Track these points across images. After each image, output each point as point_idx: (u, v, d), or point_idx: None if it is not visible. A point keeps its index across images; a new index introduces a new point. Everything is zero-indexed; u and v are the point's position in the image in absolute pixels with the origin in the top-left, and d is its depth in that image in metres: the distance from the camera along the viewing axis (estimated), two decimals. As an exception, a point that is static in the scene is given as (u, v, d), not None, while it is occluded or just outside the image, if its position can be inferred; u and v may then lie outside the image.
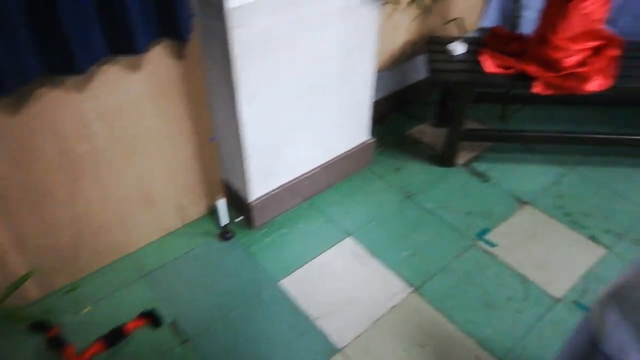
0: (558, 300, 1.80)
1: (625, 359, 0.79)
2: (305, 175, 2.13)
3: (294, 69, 1.76)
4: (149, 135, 1.73)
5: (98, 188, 1.70)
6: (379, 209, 2.19)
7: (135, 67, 1.55)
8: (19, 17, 1.20)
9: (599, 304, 0.85)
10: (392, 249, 1.99)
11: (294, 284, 1.86)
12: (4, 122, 1.38)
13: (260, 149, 1.86)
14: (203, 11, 1.55)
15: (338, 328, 1.71)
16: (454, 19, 2.63)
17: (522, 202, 2.22)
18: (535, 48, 2.09)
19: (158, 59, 1.58)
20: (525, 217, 2.14)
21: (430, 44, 2.42)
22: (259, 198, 2.00)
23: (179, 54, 1.62)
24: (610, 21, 2.53)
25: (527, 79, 2.08)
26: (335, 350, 1.65)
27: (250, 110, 1.71)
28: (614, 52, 2.09)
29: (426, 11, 2.51)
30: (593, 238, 2.04)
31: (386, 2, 2.25)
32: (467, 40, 2.38)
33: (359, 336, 1.69)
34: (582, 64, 2.05)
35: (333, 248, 2.00)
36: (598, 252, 1.98)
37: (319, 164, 2.17)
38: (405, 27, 2.49)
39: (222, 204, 1.96)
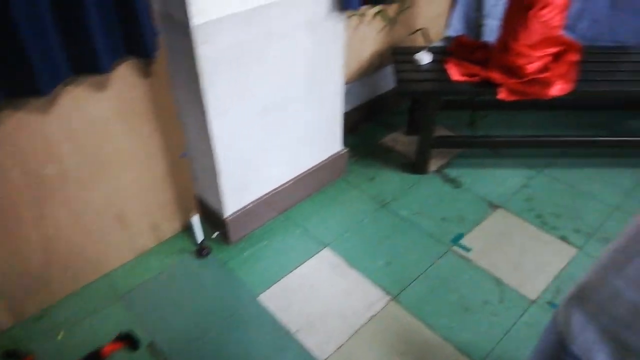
0: (532, 301, 1.83)
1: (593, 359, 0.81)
2: (279, 188, 2.13)
3: (263, 84, 1.77)
4: (119, 154, 1.70)
5: (68, 209, 1.67)
6: (354, 219, 2.20)
7: (101, 87, 1.53)
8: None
9: (565, 305, 0.86)
10: (369, 258, 2.00)
11: (272, 298, 1.85)
12: (-34, 146, 1.35)
13: (233, 164, 1.85)
14: (168, 28, 1.54)
15: (319, 341, 1.71)
16: (419, 29, 2.68)
17: (494, 206, 2.26)
18: (498, 56, 2.14)
19: (124, 78, 1.57)
20: (498, 221, 2.18)
21: (396, 55, 2.46)
22: (234, 213, 1.99)
23: (146, 72, 1.61)
24: (569, 27, 2.62)
25: (492, 86, 2.13)
26: (315, 363, 1.65)
27: (221, 125, 1.71)
28: (574, 57, 2.16)
29: (391, 22, 2.55)
30: (564, 238, 2.09)
31: (352, 15, 2.28)
32: (432, 49, 2.42)
33: (339, 348, 1.69)
34: (543, 69, 2.11)
35: (310, 260, 2.00)
36: (569, 252, 2.03)
37: (293, 177, 2.17)
38: (372, 38, 2.53)
39: (196, 221, 1.94)
